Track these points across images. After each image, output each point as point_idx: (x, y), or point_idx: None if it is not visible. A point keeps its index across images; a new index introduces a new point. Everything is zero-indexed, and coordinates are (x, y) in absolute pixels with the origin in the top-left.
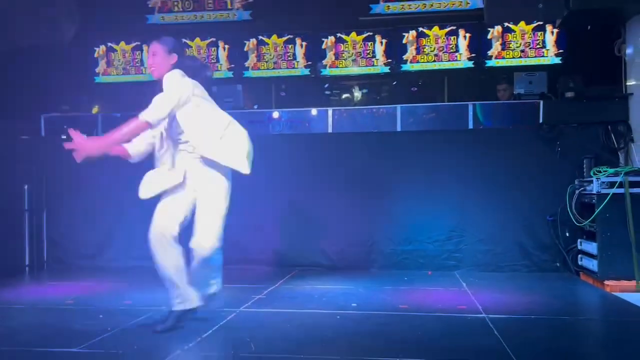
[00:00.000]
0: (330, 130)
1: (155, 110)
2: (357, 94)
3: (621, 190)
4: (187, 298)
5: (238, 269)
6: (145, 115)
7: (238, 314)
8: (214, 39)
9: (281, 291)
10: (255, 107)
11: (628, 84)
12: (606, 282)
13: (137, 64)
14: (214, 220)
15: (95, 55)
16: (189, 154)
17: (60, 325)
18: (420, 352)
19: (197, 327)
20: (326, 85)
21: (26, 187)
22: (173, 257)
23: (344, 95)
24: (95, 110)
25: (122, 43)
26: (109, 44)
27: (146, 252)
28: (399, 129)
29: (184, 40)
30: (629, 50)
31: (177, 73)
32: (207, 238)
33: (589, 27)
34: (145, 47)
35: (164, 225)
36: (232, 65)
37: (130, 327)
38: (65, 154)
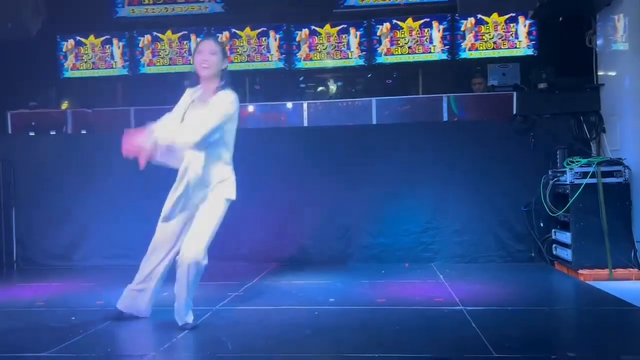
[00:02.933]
0: (305, 123)
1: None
2: (333, 87)
3: (594, 181)
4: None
5: (214, 266)
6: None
7: (214, 312)
8: (185, 32)
9: (258, 287)
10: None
11: (599, 74)
12: (580, 271)
13: (108, 58)
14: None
15: (64, 49)
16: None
17: (30, 328)
18: (399, 346)
19: (172, 327)
20: (301, 79)
21: None
22: None
23: (319, 88)
24: (64, 106)
25: (92, 37)
26: (78, 38)
27: (118, 250)
28: (374, 121)
29: (155, 33)
30: (599, 41)
31: (235, 97)
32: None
33: (560, 18)
34: (115, 41)
35: None
36: None
37: (104, 329)
38: (33, 151)
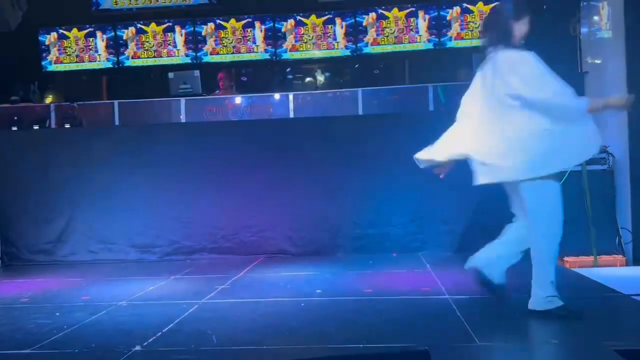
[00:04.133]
0: (291, 115)
1: None
2: (320, 78)
3: (578, 168)
4: None
5: (202, 259)
6: None
7: (200, 305)
8: (170, 24)
9: (245, 280)
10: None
11: (583, 62)
12: (565, 259)
13: (91, 51)
14: None
15: (47, 42)
16: None
17: (13, 325)
18: (384, 337)
19: (158, 321)
20: (288, 70)
21: None
22: None
23: (307, 79)
24: (49, 100)
25: (75, 30)
26: (61, 31)
27: (103, 245)
28: (360, 112)
29: (139, 25)
30: (583, 29)
31: None
32: None
33: (545, 6)
34: (99, 34)
35: None
36: (190, 51)
37: (88, 324)
38: (16, 146)
